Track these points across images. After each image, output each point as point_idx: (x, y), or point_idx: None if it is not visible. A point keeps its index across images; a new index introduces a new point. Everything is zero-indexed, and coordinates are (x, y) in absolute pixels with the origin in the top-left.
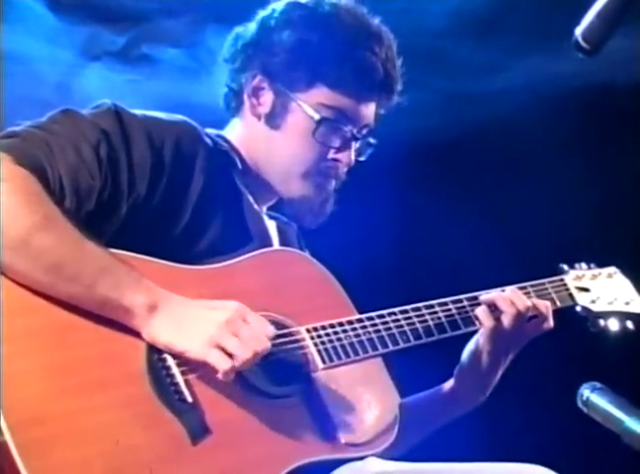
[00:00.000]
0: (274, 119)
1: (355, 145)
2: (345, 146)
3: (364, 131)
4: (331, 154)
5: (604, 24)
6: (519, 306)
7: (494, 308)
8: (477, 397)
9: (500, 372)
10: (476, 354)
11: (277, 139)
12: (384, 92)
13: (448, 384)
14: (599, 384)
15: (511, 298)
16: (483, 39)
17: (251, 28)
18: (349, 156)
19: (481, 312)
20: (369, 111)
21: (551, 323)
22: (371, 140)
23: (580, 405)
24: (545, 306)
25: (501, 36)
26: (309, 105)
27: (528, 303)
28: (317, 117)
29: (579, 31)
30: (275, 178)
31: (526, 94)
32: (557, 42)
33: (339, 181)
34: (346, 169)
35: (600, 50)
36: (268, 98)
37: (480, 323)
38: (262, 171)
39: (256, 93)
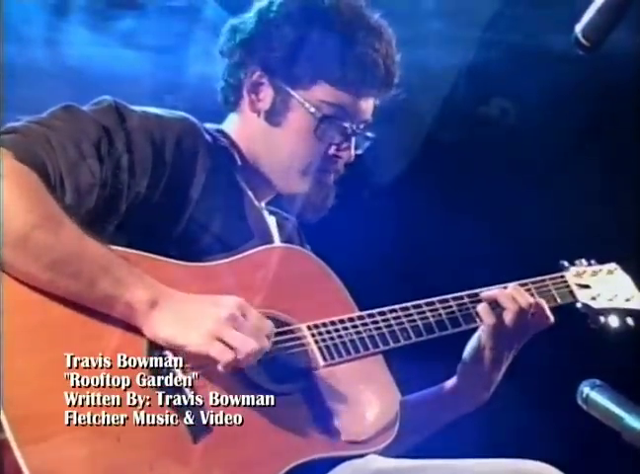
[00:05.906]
0: (273, 116)
1: (354, 140)
2: (345, 142)
3: (363, 126)
4: (331, 150)
5: (605, 20)
6: (521, 303)
7: (495, 305)
8: (480, 395)
9: (503, 369)
10: (478, 351)
11: (276, 136)
12: (383, 87)
13: (451, 382)
14: (598, 381)
15: (512, 295)
16: None
17: (249, 21)
18: (349, 151)
19: (482, 309)
20: (368, 106)
21: (551, 318)
22: (369, 134)
23: (579, 402)
24: (544, 302)
25: None
26: (311, 103)
27: (531, 300)
28: (319, 115)
29: (579, 27)
30: (274, 174)
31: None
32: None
33: (337, 175)
34: (345, 164)
35: (601, 48)
36: (267, 94)
37: (481, 320)
38: (261, 165)
39: (255, 89)
